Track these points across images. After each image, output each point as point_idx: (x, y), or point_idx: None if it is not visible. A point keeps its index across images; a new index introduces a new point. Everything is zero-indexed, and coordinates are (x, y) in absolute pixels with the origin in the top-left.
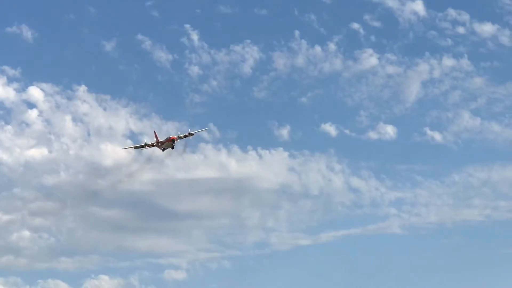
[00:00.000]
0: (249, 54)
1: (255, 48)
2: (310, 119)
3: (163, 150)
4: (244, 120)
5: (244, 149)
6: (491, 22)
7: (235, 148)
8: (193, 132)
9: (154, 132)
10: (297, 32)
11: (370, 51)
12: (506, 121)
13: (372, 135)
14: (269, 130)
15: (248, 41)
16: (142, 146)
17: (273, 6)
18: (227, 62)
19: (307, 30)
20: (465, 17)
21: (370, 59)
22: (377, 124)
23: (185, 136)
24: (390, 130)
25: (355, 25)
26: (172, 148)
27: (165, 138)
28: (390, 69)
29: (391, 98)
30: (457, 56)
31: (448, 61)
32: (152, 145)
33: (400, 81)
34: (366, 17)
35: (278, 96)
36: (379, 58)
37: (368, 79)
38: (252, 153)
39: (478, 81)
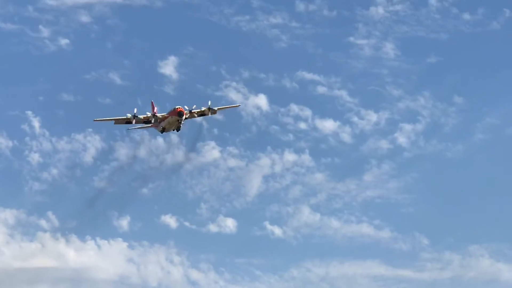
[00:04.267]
0: (90, 143)
1: (97, 137)
2: (151, 210)
3: (161, 132)
4: (84, 209)
5: (82, 238)
6: (332, 119)
7: (74, 238)
8: (215, 108)
9: (152, 103)
10: None
11: (212, 143)
12: (345, 218)
13: (212, 227)
14: (109, 220)
15: (90, 129)
16: (127, 121)
17: (117, 95)
18: (68, 151)
19: None
20: (307, 113)
21: (212, 151)
22: (217, 217)
23: (202, 114)
24: (230, 223)
25: None
26: (178, 129)
27: (169, 111)
28: (232, 162)
29: (232, 192)
30: (298, 151)
31: (290, 156)
32: (145, 120)
33: (241, 175)
34: None
35: (118, 186)
36: (221, 151)
37: (209, 171)
38: (91, 243)
39: (318, 176)
